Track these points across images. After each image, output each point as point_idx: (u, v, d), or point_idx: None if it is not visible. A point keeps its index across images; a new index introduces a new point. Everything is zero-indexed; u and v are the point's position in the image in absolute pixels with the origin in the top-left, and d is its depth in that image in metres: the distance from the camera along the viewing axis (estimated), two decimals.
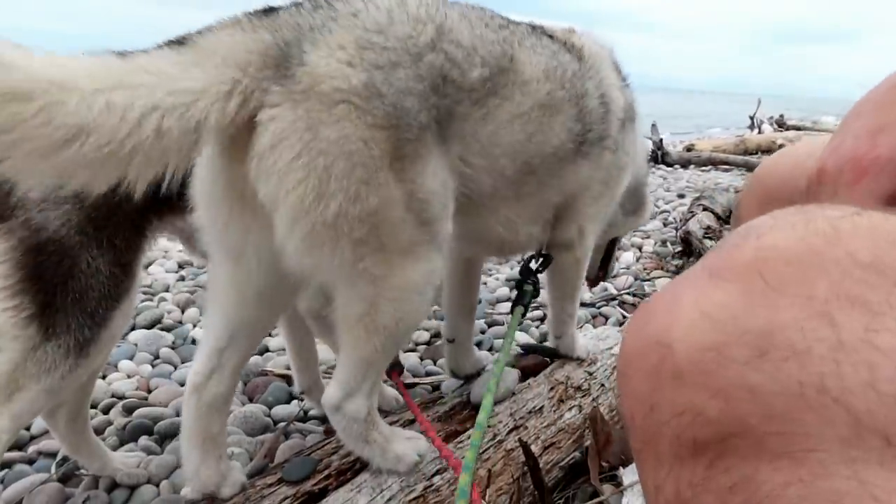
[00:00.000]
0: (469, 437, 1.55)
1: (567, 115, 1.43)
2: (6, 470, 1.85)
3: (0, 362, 1.30)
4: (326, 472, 1.37)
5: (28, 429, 2.02)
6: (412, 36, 1.15)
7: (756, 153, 9.20)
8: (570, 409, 1.81)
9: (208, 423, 1.39)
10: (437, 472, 1.40)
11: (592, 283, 2.45)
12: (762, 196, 1.25)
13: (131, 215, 1.41)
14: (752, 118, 12.71)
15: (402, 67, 1.11)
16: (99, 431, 2.00)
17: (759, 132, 11.51)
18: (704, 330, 0.43)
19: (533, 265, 1.74)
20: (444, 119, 1.19)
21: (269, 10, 1.12)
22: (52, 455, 1.89)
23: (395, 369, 1.93)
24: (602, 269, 2.36)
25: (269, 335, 2.81)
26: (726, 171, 8.52)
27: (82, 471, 1.80)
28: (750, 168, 7.90)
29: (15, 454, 1.90)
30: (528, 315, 3.13)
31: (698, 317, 0.44)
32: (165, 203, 1.45)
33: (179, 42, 1.02)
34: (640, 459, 0.52)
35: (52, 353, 1.32)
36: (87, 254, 1.33)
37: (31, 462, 1.89)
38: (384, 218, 1.12)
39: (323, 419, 2.13)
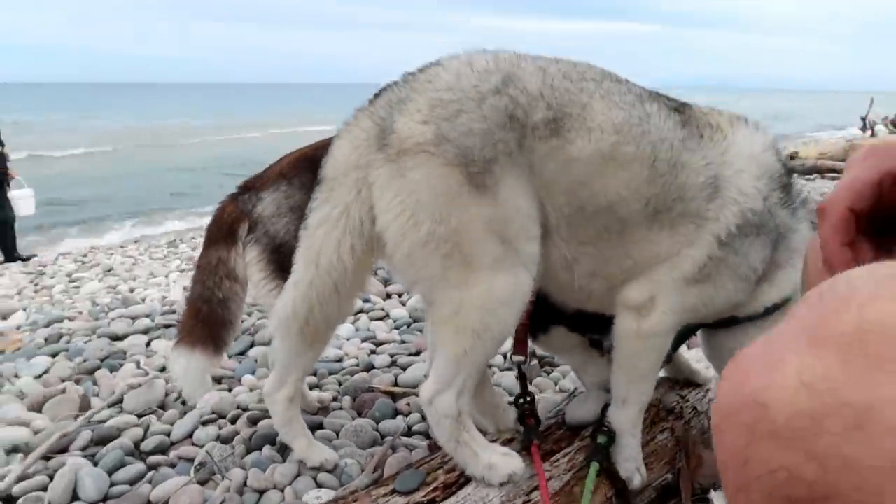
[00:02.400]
0: (564, 457, 1.65)
1: (634, 174, 1.42)
2: (153, 471, 2.12)
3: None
4: (434, 485, 1.51)
5: (168, 435, 2.30)
6: (476, 85, 1.39)
7: None
8: (661, 431, 1.88)
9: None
10: (535, 489, 1.51)
11: None
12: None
13: None
14: (863, 119, 12.02)
15: (464, 112, 1.36)
16: (227, 440, 2.24)
17: (872, 135, 10.83)
18: (803, 398, 0.46)
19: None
20: (515, 151, 1.39)
21: (378, 93, 1.46)
22: (190, 460, 2.14)
23: (534, 439, 1.62)
24: None
25: (374, 353, 3.01)
26: (833, 179, 8.13)
27: (217, 476, 2.03)
28: None
29: (160, 458, 2.17)
30: None
31: (798, 385, 0.46)
32: None
33: (319, 182, 1.48)
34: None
35: None
36: None
37: (172, 465, 2.15)
38: (466, 236, 1.37)
39: (426, 434, 2.28)
